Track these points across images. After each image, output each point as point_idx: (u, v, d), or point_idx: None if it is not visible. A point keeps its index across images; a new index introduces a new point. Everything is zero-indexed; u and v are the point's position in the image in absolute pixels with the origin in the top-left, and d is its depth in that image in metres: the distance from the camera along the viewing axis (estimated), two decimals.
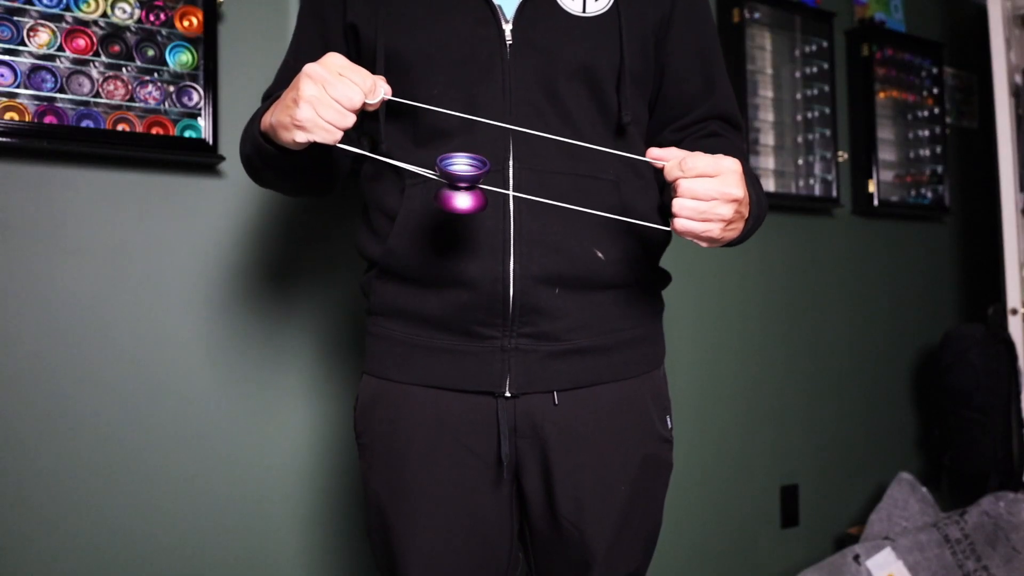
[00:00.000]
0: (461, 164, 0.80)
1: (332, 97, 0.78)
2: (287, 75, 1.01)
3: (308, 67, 0.79)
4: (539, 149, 0.92)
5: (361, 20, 0.97)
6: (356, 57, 0.98)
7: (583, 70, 0.94)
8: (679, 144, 1.03)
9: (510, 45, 0.92)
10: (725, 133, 1.05)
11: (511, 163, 0.91)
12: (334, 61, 0.80)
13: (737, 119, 1.07)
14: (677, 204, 0.83)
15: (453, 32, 0.93)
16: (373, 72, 0.90)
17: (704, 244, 0.86)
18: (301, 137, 0.80)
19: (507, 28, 0.92)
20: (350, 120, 0.80)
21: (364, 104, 0.80)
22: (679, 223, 0.83)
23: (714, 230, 0.84)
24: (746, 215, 0.88)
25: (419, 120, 0.95)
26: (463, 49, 0.92)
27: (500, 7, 0.93)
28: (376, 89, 0.80)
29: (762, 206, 0.94)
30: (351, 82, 0.79)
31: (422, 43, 0.93)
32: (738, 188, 0.83)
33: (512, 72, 0.92)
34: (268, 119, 0.87)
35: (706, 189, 0.81)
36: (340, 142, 0.82)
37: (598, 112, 0.96)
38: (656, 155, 0.86)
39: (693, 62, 1.04)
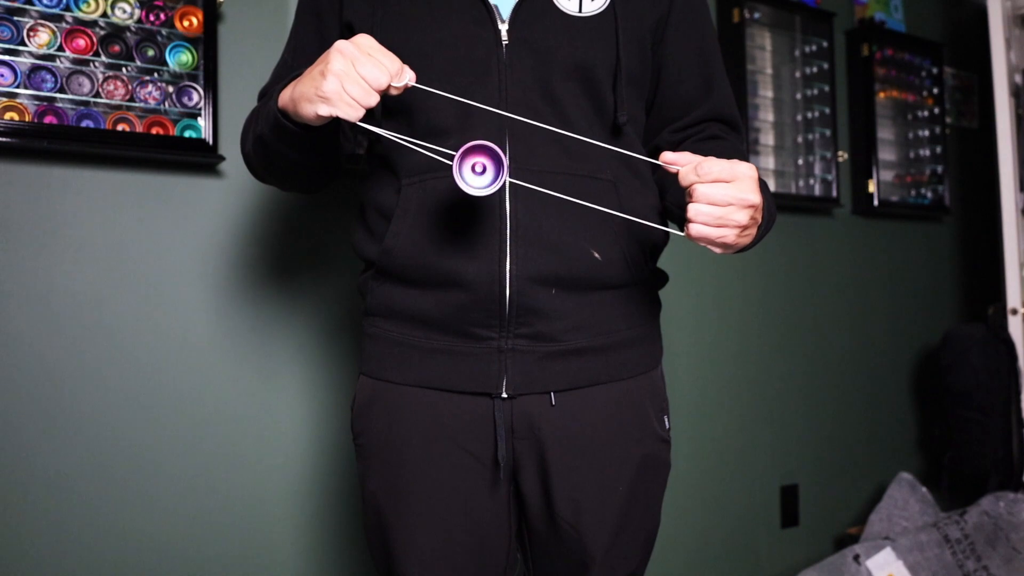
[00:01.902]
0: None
1: (360, 74, 0.79)
2: (284, 72, 1.02)
3: (339, 43, 0.80)
4: (536, 149, 0.92)
5: (357, 19, 0.97)
6: None
7: (579, 70, 0.94)
8: (678, 146, 1.03)
9: (506, 45, 0.92)
10: (725, 135, 1.05)
11: (507, 163, 0.91)
12: (365, 41, 0.81)
13: (736, 121, 1.07)
14: (693, 209, 0.81)
15: (449, 32, 0.93)
16: None
17: (718, 250, 0.85)
18: (324, 110, 0.81)
19: (503, 28, 0.92)
20: (374, 99, 0.80)
21: (389, 87, 0.81)
22: (694, 228, 0.82)
23: (729, 236, 0.83)
24: (759, 221, 0.88)
25: (416, 119, 0.95)
26: (459, 49, 0.92)
27: (496, 7, 0.93)
28: (403, 73, 0.82)
29: (772, 211, 0.94)
30: (380, 63, 0.80)
31: (418, 42, 0.93)
32: (754, 194, 0.82)
33: (508, 72, 0.92)
34: (289, 93, 0.87)
35: (722, 194, 0.80)
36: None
37: (594, 112, 0.96)
38: (669, 159, 0.85)
39: (691, 63, 1.04)
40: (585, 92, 0.95)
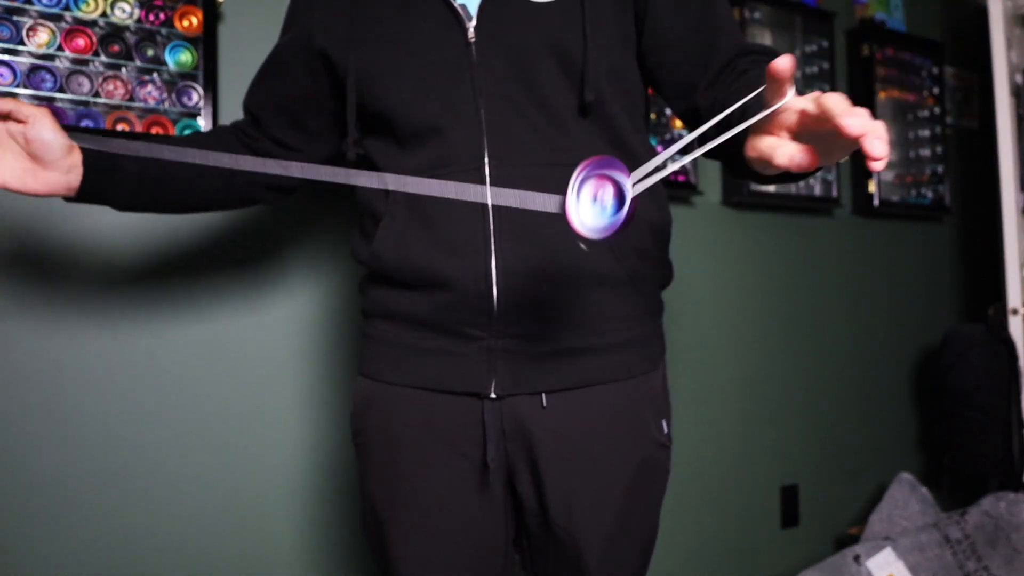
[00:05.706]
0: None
1: None
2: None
3: None
4: (516, 144, 0.91)
5: (331, 43, 0.98)
6: (333, 77, 1.01)
7: (547, 53, 0.92)
8: (716, 103, 0.91)
9: (474, 43, 0.92)
10: (758, 60, 0.90)
11: (487, 160, 0.91)
12: None
13: (757, 46, 0.95)
14: (832, 102, 0.60)
15: (419, 39, 0.93)
16: (346, 84, 0.95)
17: (881, 160, 0.57)
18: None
19: (471, 27, 0.92)
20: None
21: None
22: (855, 121, 0.57)
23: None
24: None
25: (397, 125, 0.95)
26: (430, 55, 0.92)
27: (464, 6, 0.93)
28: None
29: None
30: None
31: (391, 53, 0.93)
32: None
33: (479, 70, 0.92)
34: None
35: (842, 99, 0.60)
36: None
37: (572, 93, 0.93)
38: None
39: (680, 21, 0.96)
40: (559, 74, 0.93)
